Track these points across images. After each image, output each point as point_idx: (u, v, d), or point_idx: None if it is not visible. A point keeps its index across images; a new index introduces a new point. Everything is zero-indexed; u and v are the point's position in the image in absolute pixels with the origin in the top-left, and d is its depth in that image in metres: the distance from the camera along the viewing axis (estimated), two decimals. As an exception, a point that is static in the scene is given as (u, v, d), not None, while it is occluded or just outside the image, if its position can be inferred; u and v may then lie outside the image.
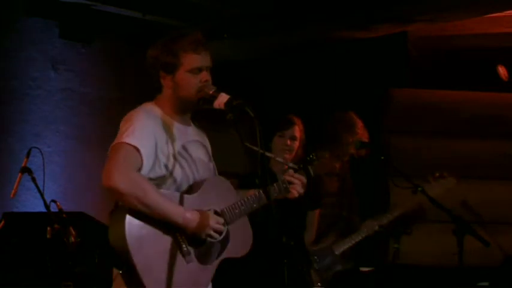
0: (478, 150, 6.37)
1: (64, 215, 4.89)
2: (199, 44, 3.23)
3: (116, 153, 3.09)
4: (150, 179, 3.15)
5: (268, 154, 4.22)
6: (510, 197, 6.31)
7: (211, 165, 3.39)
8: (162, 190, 3.16)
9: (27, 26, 6.37)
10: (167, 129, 3.22)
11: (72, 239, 4.74)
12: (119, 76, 6.89)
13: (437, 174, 4.84)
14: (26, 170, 4.94)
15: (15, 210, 5.70)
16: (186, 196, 3.20)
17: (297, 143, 4.56)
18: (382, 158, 4.94)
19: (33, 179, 4.92)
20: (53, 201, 4.93)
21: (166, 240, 3.11)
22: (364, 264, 5.12)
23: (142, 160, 3.10)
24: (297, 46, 7.08)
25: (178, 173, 3.19)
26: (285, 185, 3.43)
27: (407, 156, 6.14)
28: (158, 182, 3.17)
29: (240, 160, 3.61)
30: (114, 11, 6.31)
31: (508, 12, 6.21)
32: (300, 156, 4.51)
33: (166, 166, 3.17)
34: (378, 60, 6.69)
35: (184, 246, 3.13)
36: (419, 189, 4.54)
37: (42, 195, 4.84)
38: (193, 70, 3.21)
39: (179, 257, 3.12)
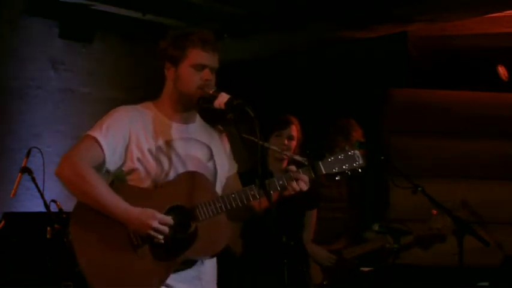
0: (478, 150, 6.38)
1: (64, 215, 4.89)
2: (208, 42, 3.24)
3: (76, 144, 3.17)
4: (123, 172, 3.17)
5: (268, 145, 4.22)
6: (510, 197, 6.32)
7: (210, 164, 3.31)
8: (120, 184, 3.15)
9: (27, 26, 6.37)
10: (152, 126, 3.22)
11: (72, 238, 4.73)
12: (119, 76, 6.88)
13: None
14: (26, 170, 4.94)
15: (15, 210, 5.70)
16: (153, 191, 3.15)
17: (294, 143, 4.58)
18: (382, 158, 4.95)
19: (33, 179, 4.92)
20: (53, 201, 4.93)
21: (115, 233, 3.06)
22: (364, 264, 5.14)
23: (103, 153, 3.12)
24: (297, 46, 7.09)
25: (153, 167, 3.16)
26: (281, 182, 3.23)
27: (407, 156, 6.15)
28: (132, 176, 3.17)
29: (240, 160, 3.58)
30: (114, 11, 6.32)
31: (508, 12, 6.21)
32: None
33: (139, 160, 3.16)
34: (378, 60, 6.69)
35: (134, 240, 3.07)
36: (419, 189, 4.54)
37: (42, 195, 4.84)
38: (196, 66, 3.21)
39: (129, 250, 3.06)
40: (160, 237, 3.05)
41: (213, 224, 3.14)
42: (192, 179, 3.18)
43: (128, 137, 3.17)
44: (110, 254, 3.07)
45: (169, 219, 3.07)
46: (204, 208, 3.13)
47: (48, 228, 4.82)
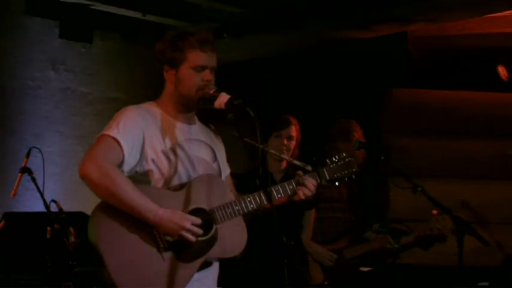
0: (478, 150, 6.38)
1: (64, 215, 4.88)
2: (207, 42, 3.24)
3: (95, 144, 3.14)
4: (137, 173, 3.15)
5: (268, 148, 4.23)
6: (510, 197, 6.32)
7: (215, 165, 3.34)
8: (142, 185, 3.13)
9: (27, 26, 6.36)
10: (162, 127, 3.21)
11: (72, 239, 4.74)
12: (119, 76, 6.88)
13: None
14: (26, 170, 4.94)
15: (15, 210, 5.69)
16: (172, 193, 3.16)
17: (293, 143, 4.58)
18: (382, 158, 4.96)
19: (33, 179, 4.91)
20: (53, 201, 4.92)
21: (141, 235, 3.06)
22: (364, 264, 5.14)
23: (123, 153, 3.10)
24: (297, 46, 7.08)
25: (166, 168, 3.16)
26: (291, 187, 3.32)
27: (407, 156, 6.15)
28: (146, 177, 3.16)
29: (240, 160, 3.59)
30: (114, 11, 6.31)
31: (508, 12, 6.21)
32: (296, 156, 4.52)
33: (153, 161, 3.16)
34: (378, 60, 6.68)
35: (161, 242, 3.07)
36: (419, 189, 4.54)
37: (42, 195, 4.84)
38: (196, 67, 3.22)
39: (155, 253, 3.07)
40: (192, 238, 3.05)
41: (231, 225, 3.19)
42: (208, 181, 3.22)
43: (142, 137, 3.16)
44: (136, 256, 3.06)
45: (199, 220, 3.08)
46: (223, 211, 3.17)
47: (48, 228, 4.82)
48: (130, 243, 3.06)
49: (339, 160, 3.46)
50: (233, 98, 3.12)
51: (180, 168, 3.19)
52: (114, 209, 3.06)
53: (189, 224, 3.05)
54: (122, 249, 3.06)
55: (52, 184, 5.13)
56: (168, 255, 3.08)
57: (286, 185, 3.31)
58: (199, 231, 3.07)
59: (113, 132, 3.11)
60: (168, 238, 3.07)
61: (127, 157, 3.12)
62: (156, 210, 3.05)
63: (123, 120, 3.15)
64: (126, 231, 3.06)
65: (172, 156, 3.19)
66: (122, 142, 3.10)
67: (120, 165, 3.12)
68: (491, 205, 6.27)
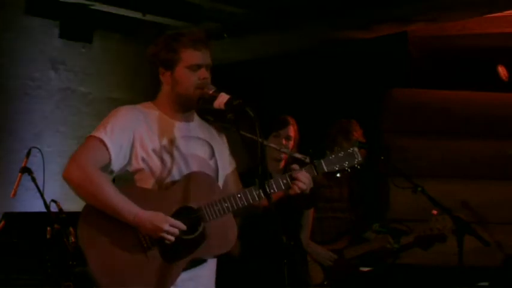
0: (478, 150, 6.38)
1: (64, 215, 4.89)
2: (200, 41, 3.24)
3: (81, 146, 3.16)
4: (128, 172, 3.17)
5: (267, 143, 4.22)
6: (510, 197, 6.31)
7: (212, 162, 3.32)
8: (127, 186, 3.14)
9: (27, 26, 6.37)
10: (155, 125, 3.22)
11: (72, 239, 4.74)
12: (119, 76, 6.89)
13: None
14: (26, 170, 4.94)
15: (15, 210, 5.70)
16: (160, 192, 3.16)
17: (292, 143, 4.58)
18: (382, 158, 4.96)
19: (33, 179, 4.92)
20: (53, 201, 4.93)
21: (125, 236, 3.07)
22: (364, 264, 5.14)
23: (109, 154, 3.11)
24: (297, 46, 7.09)
25: (157, 167, 3.16)
26: (285, 181, 3.27)
27: (407, 156, 6.15)
28: (137, 176, 3.17)
29: (240, 160, 3.58)
30: (114, 11, 6.32)
31: (508, 12, 6.22)
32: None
33: (144, 160, 3.16)
34: (378, 60, 6.68)
35: (144, 242, 3.08)
36: (419, 189, 4.54)
37: (42, 195, 4.84)
38: (192, 66, 3.22)
39: (139, 253, 3.07)
40: (172, 238, 3.05)
41: (220, 223, 3.17)
42: (199, 179, 3.20)
43: (132, 136, 3.17)
44: (120, 257, 3.07)
45: (180, 223, 3.08)
46: (211, 208, 3.15)
47: (48, 228, 4.82)
48: (115, 244, 3.07)
49: (339, 151, 3.37)
50: (232, 98, 3.12)
51: (173, 166, 3.19)
52: (98, 211, 3.08)
53: (167, 226, 3.04)
54: (106, 250, 3.07)
55: (52, 184, 5.12)
56: (152, 254, 3.08)
57: (280, 179, 3.26)
58: (177, 232, 3.06)
59: (100, 134, 3.13)
60: (151, 238, 3.08)
61: (114, 158, 3.13)
62: (136, 212, 3.05)
63: (112, 121, 3.17)
64: (111, 232, 3.08)
65: (165, 155, 3.19)
66: (108, 144, 3.12)
67: (106, 166, 3.14)
68: (491, 205, 6.26)
